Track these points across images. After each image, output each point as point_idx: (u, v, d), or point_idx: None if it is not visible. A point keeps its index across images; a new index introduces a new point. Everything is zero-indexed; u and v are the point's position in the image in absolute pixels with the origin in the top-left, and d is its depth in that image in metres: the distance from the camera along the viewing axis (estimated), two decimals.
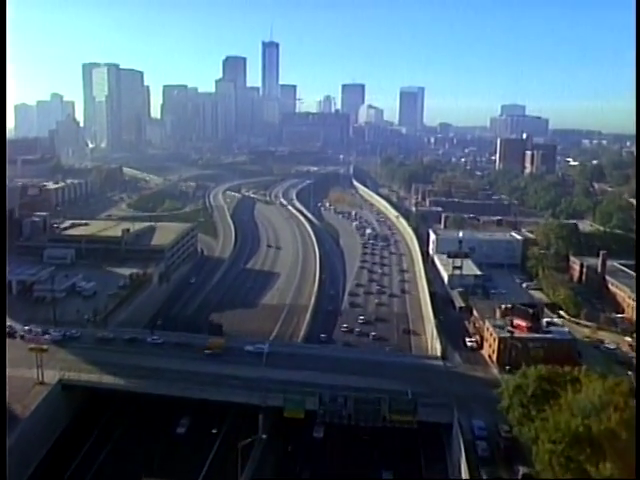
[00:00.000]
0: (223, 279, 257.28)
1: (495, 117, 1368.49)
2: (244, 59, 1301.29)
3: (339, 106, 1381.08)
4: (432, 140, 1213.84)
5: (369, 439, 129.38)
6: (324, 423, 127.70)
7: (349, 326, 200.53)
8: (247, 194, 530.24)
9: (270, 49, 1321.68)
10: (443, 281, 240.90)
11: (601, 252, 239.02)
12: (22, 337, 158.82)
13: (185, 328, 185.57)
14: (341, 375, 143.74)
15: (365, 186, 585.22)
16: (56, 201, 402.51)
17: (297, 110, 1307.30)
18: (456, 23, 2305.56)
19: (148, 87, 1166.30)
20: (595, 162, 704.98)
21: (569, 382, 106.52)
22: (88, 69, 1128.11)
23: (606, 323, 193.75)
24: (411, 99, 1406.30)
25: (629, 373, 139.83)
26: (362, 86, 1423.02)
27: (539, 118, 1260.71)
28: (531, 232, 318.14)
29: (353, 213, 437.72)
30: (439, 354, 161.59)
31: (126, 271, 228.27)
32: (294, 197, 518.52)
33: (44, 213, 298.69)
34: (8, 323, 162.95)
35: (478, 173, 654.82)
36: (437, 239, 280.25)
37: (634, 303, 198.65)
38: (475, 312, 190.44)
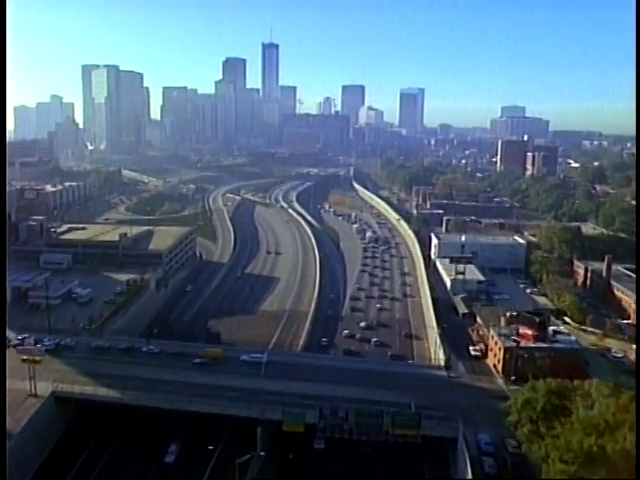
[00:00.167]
0: (222, 284, 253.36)
1: (495, 118, 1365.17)
2: (244, 60, 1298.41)
3: (339, 107, 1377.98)
4: (432, 141, 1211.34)
5: (372, 451, 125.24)
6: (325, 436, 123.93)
7: (350, 332, 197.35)
8: (247, 196, 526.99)
9: (270, 50, 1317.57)
10: (445, 286, 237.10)
11: (606, 256, 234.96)
12: (15, 347, 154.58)
13: (182, 336, 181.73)
14: (342, 386, 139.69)
15: (365, 188, 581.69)
16: (54, 204, 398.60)
17: (297, 112, 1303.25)
18: (456, 24, 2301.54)
19: (148, 88, 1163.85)
20: (596, 164, 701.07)
21: (580, 397, 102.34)
22: (87, 71, 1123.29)
23: (612, 330, 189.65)
24: (411, 100, 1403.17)
25: None
26: (362, 87, 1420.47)
27: (539, 119, 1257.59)
28: (533, 235, 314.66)
29: (353, 215, 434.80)
30: (442, 363, 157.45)
31: (123, 276, 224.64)
32: (294, 199, 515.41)
33: (41, 217, 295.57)
34: None
35: (479, 175, 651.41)
36: (439, 243, 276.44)
37: None
38: (479, 319, 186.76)
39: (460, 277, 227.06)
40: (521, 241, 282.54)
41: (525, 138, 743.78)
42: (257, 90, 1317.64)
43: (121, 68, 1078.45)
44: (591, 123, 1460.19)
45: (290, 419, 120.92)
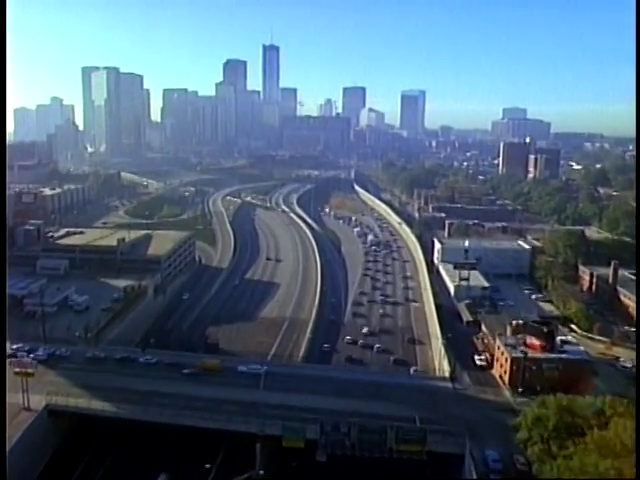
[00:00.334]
0: (221, 290, 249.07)
1: (497, 120, 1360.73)
2: (244, 62, 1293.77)
3: (340, 109, 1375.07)
4: (433, 143, 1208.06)
5: (375, 465, 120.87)
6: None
7: (352, 338, 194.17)
8: (247, 199, 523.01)
9: (271, 52, 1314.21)
10: (449, 292, 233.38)
11: (613, 262, 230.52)
12: (9, 357, 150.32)
13: (180, 345, 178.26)
14: (343, 399, 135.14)
15: (367, 191, 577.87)
16: (52, 208, 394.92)
17: (298, 114, 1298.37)
18: (457, 26, 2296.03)
19: (148, 90, 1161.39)
20: (598, 166, 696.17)
21: (593, 414, 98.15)
22: (87, 73, 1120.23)
23: (620, 338, 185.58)
24: (412, 102, 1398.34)
25: None
26: (363, 89, 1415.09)
27: (541, 121, 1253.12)
28: (537, 239, 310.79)
29: (353, 219, 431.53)
30: (447, 374, 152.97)
31: (121, 282, 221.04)
32: (295, 202, 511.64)
33: (38, 221, 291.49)
34: None
35: (480, 177, 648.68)
36: (442, 248, 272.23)
37: None
38: (484, 327, 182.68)
39: (464, 283, 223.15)
40: (526, 246, 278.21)
41: (527, 140, 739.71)
42: (258, 92, 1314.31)
43: (122, 70, 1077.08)
44: (592, 125, 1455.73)
45: (290, 434, 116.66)
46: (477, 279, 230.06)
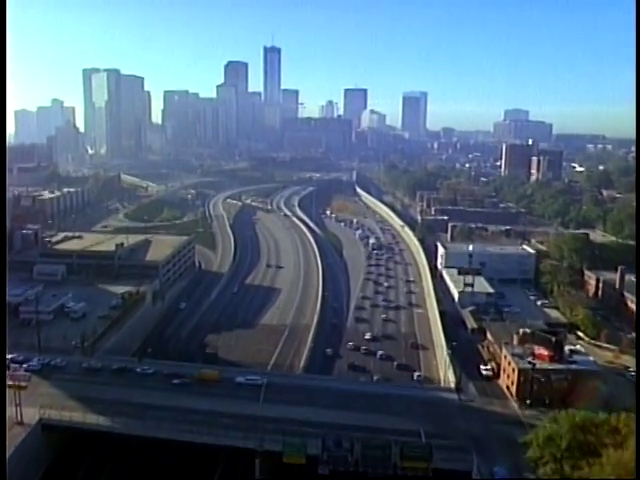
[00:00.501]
0: (221, 296, 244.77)
1: (499, 122, 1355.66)
2: (246, 64, 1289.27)
3: (341, 111, 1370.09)
4: (435, 145, 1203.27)
5: None
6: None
7: (355, 343, 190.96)
8: (248, 202, 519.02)
9: (272, 54, 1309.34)
10: (453, 298, 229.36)
11: (619, 267, 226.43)
12: None
13: (178, 353, 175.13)
14: (346, 412, 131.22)
15: (368, 193, 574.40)
16: (51, 211, 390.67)
17: (299, 115, 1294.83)
18: (458, 28, 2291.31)
19: (149, 92, 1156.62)
20: (601, 168, 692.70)
21: (608, 432, 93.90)
22: (88, 74, 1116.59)
23: (628, 345, 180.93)
24: (414, 104, 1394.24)
25: None
26: (364, 91, 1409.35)
27: (543, 123, 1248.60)
28: (541, 243, 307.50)
29: (355, 221, 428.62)
30: (452, 385, 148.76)
31: (119, 289, 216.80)
32: (296, 205, 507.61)
33: (36, 226, 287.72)
34: None
35: (483, 179, 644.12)
36: (446, 253, 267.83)
37: None
38: (489, 335, 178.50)
39: (468, 289, 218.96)
40: (531, 251, 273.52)
41: (529, 142, 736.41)
42: (259, 94, 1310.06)
43: (123, 72, 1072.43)
44: (594, 126, 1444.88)
45: (291, 450, 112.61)
46: (482, 285, 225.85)
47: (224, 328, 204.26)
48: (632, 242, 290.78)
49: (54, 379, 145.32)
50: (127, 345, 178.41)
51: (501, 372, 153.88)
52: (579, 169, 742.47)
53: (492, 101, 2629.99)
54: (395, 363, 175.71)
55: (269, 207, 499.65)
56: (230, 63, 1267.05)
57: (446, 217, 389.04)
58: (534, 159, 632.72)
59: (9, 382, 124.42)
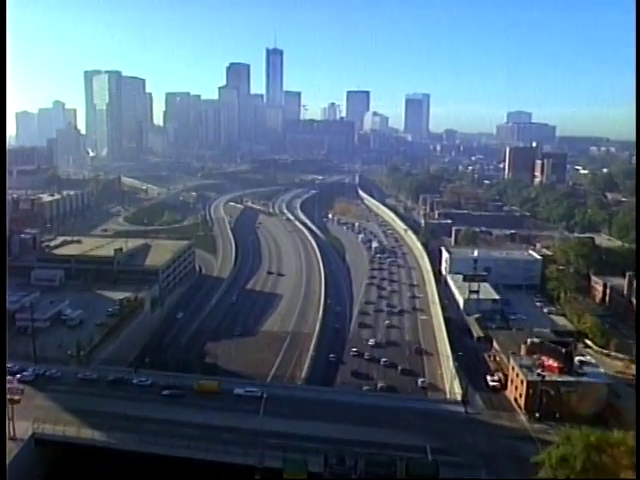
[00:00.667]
0: (221, 302, 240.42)
1: (501, 124, 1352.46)
2: (248, 66, 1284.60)
3: (344, 113, 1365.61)
4: (438, 147, 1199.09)
5: None
6: None
7: (359, 350, 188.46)
8: (249, 205, 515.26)
9: (274, 56, 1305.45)
10: (458, 305, 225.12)
11: (628, 273, 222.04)
12: None
13: (177, 363, 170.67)
14: (349, 425, 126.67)
15: (371, 196, 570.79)
16: (50, 214, 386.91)
17: (301, 117, 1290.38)
18: (461, 30, 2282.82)
19: (151, 94, 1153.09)
20: (605, 171, 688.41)
21: (625, 453, 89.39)
22: (90, 76, 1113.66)
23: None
24: (416, 106, 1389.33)
25: None
26: (367, 93, 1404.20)
27: (546, 125, 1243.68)
28: (547, 247, 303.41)
29: (357, 224, 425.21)
30: (458, 397, 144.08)
31: (117, 295, 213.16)
32: (298, 208, 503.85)
33: (34, 231, 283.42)
34: None
35: (486, 182, 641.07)
36: (450, 258, 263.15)
37: None
38: (496, 344, 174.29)
39: (474, 296, 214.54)
40: (537, 256, 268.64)
41: (533, 144, 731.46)
42: (261, 96, 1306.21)
43: (125, 73, 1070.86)
44: (597, 129, 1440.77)
45: (292, 467, 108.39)
46: (487, 291, 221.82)
47: (224, 336, 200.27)
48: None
49: (49, 390, 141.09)
50: (124, 354, 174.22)
51: (509, 383, 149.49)
52: (583, 172, 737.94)
53: (495, 103, 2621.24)
54: (399, 370, 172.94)
55: (271, 210, 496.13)
56: (232, 65, 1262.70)
57: (450, 221, 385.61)
58: (538, 162, 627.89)
59: None
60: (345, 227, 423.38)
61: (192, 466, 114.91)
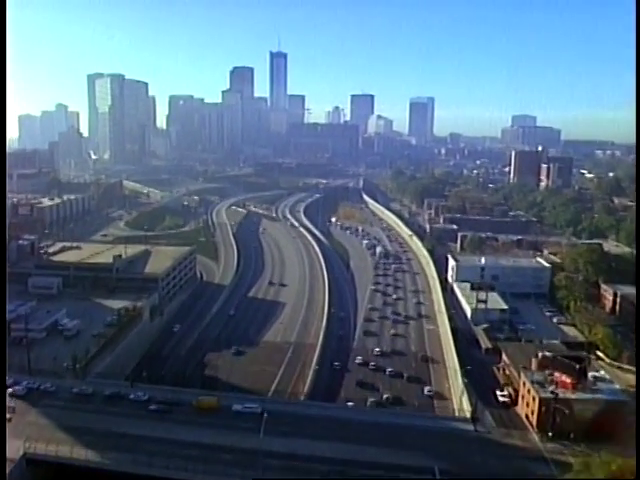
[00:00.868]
0: (222, 310, 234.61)
1: (506, 128, 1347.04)
2: (251, 69, 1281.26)
3: (348, 117, 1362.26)
4: (442, 151, 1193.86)
5: None
6: None
7: (364, 358, 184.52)
8: (252, 209, 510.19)
9: (278, 59, 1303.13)
10: (465, 314, 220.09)
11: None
12: None
13: (176, 375, 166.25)
14: (353, 445, 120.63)
15: (375, 200, 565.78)
16: (49, 219, 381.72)
17: (305, 121, 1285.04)
18: (466, 33, 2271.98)
19: (154, 97, 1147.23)
20: (611, 175, 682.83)
21: None
22: (93, 79, 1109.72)
23: None
24: (421, 109, 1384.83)
25: None
26: (371, 96, 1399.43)
27: (551, 129, 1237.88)
28: (554, 254, 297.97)
29: (361, 229, 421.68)
30: (467, 414, 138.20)
31: (116, 303, 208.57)
32: (302, 213, 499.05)
33: (33, 236, 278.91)
34: None
35: (491, 186, 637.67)
36: (457, 266, 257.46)
37: None
38: (505, 357, 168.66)
39: (482, 306, 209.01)
40: (545, 264, 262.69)
41: (538, 148, 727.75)
42: (265, 99, 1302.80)
43: (128, 77, 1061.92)
44: (602, 132, 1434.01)
45: None
46: (495, 300, 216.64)
47: (224, 346, 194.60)
48: None
49: (42, 406, 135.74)
50: (122, 365, 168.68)
51: (519, 399, 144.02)
52: (588, 176, 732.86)
53: (499, 106, 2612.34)
54: (405, 380, 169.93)
55: (274, 215, 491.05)
56: (236, 68, 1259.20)
57: (455, 226, 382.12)
58: (543, 166, 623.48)
59: None
60: (349, 232, 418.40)
61: None
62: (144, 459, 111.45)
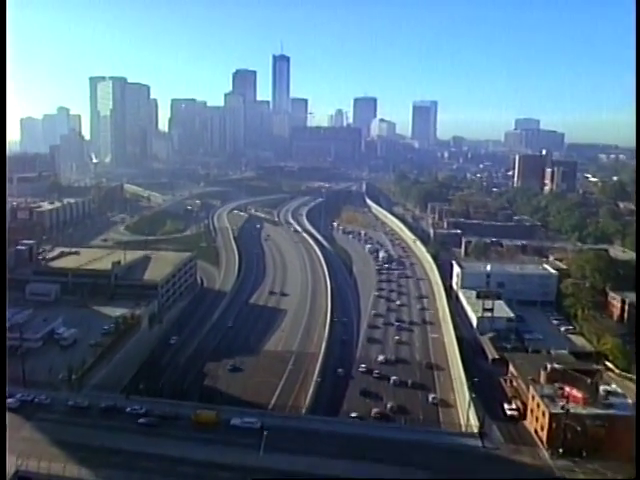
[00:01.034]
0: (222, 318, 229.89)
1: (509, 131, 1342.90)
2: (254, 72, 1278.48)
3: (351, 120, 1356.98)
4: (446, 154, 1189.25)
5: None
6: None
7: (367, 366, 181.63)
8: (254, 213, 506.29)
9: (281, 62, 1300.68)
10: (470, 323, 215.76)
11: None
12: None
13: (174, 386, 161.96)
14: (356, 462, 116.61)
15: (378, 204, 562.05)
16: (49, 224, 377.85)
17: (308, 124, 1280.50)
18: (469, 36, 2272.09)
19: (156, 101, 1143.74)
20: (616, 179, 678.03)
21: None
22: (94, 82, 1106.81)
23: None
24: (424, 113, 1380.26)
25: None
26: (374, 100, 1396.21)
27: (554, 132, 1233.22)
28: (560, 260, 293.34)
29: (364, 233, 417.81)
30: (475, 429, 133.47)
31: (114, 310, 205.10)
32: (304, 217, 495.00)
33: (31, 241, 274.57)
34: None
35: (495, 190, 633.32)
36: (462, 272, 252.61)
37: None
38: (512, 368, 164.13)
39: (488, 314, 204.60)
40: (552, 270, 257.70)
41: (542, 152, 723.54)
42: (267, 102, 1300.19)
43: (130, 80, 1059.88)
44: (606, 136, 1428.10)
45: None
46: (501, 308, 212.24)
47: (225, 355, 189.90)
48: None
49: (36, 419, 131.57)
50: (120, 376, 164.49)
51: (528, 413, 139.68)
52: (593, 180, 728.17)
53: (502, 110, 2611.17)
54: (409, 389, 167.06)
55: (276, 219, 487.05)
56: (238, 71, 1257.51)
57: (459, 231, 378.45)
58: (548, 170, 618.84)
59: None
60: (352, 236, 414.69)
61: None
62: (139, 477, 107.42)
